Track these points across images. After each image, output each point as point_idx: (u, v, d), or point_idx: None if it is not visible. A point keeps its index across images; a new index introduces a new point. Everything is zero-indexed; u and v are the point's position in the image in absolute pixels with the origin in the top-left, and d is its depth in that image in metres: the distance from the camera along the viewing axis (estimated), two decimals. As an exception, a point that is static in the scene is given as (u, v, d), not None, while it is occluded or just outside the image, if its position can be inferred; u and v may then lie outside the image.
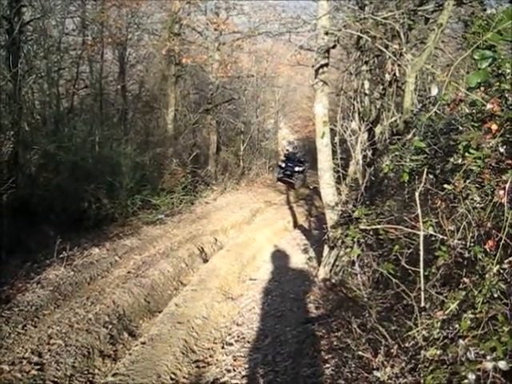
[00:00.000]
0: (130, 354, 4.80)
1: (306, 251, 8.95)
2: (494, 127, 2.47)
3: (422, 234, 2.59)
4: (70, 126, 11.22)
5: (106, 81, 15.52)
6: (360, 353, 3.66)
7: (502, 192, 2.41)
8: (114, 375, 4.38)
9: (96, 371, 4.63)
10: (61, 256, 7.10)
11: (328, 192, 6.36)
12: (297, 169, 20.13)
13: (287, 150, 22.97)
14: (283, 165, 20.39)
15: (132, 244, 8.74)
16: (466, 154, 2.52)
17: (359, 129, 5.96)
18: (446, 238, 2.82)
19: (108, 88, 15.73)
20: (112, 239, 8.83)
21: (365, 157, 6.10)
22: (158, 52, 14.99)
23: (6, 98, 9.05)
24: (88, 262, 7.36)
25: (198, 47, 16.25)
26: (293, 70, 23.77)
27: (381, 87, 6.22)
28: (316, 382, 3.79)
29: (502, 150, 2.55)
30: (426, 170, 2.72)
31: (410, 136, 3.18)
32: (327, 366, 4.00)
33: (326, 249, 6.50)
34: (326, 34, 5.67)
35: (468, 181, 2.64)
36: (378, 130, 6.16)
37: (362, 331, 4.04)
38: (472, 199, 2.66)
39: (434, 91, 2.77)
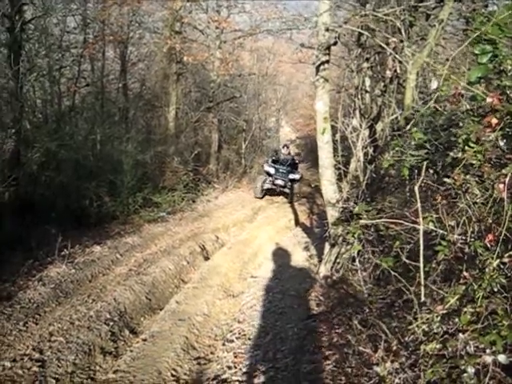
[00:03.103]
0: (131, 351, 4.80)
1: (307, 249, 8.94)
2: (494, 121, 2.46)
3: (421, 228, 2.59)
4: (72, 125, 11.23)
5: (108, 79, 15.49)
6: (361, 348, 3.66)
7: (501, 186, 2.41)
8: (114, 372, 4.39)
9: (97, 368, 4.61)
10: (62, 254, 7.11)
11: (329, 189, 6.35)
12: (292, 176, 15.63)
13: (275, 152, 17.71)
14: (272, 170, 15.63)
15: (133, 242, 8.75)
16: (466, 147, 2.52)
17: (360, 126, 5.95)
18: (445, 233, 2.82)
19: (109, 86, 15.71)
20: (113, 237, 8.84)
21: (366, 154, 6.09)
22: (159, 50, 15.00)
23: (8, 96, 9.08)
24: (89, 259, 7.37)
25: (200, 45, 16.29)
26: (294, 67, 23.82)
27: (382, 84, 6.22)
28: (316, 378, 3.78)
29: (501, 143, 2.54)
30: (425, 164, 2.71)
31: (408, 128, 3.17)
32: (328, 362, 4.00)
33: (327, 246, 6.49)
34: (327, 30, 5.66)
35: (468, 175, 2.63)
36: (378, 127, 6.15)
37: (363, 327, 4.04)
38: (472, 193, 2.66)
39: (434, 85, 2.77)
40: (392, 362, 2.85)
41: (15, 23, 9.23)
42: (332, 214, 6.29)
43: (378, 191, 5.81)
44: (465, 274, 2.50)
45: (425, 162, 2.84)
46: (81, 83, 14.28)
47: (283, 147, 17.32)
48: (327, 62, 6.07)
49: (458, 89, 2.59)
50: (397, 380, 2.82)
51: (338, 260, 6.20)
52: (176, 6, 14.37)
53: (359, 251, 5.05)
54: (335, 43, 5.84)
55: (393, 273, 3.46)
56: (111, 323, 5.38)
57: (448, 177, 2.78)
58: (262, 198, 15.50)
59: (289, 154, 16.81)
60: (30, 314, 5.42)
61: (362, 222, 3.64)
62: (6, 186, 8.26)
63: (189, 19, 14.96)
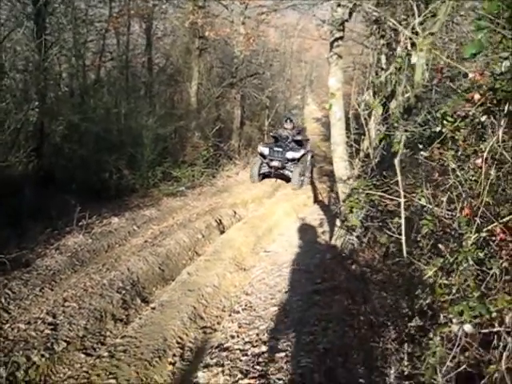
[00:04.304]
0: (140, 318, 4.96)
1: (321, 225, 8.99)
2: (477, 97, 2.46)
3: (402, 201, 2.62)
4: (96, 98, 11.38)
5: (133, 53, 15.56)
6: (358, 322, 3.74)
7: (479, 161, 2.41)
8: (122, 337, 4.55)
9: (107, 333, 4.79)
10: (80, 224, 7.31)
11: (340, 166, 6.37)
12: (290, 155, 13.15)
13: (274, 131, 15.21)
14: (266, 151, 13.36)
15: (151, 215, 8.91)
16: (445, 122, 2.52)
17: (373, 103, 5.92)
18: (430, 206, 2.84)
19: (134, 61, 15.78)
20: (132, 209, 9.01)
21: (378, 131, 6.07)
22: (181, 25, 14.97)
23: (33, 69, 9.26)
24: (107, 230, 7.55)
25: (223, 21, 16.18)
26: (321, 45, 23.55)
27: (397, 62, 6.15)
28: (313, 348, 3.89)
29: (482, 119, 2.54)
30: (403, 139, 2.72)
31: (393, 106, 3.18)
32: (326, 334, 4.10)
33: (338, 223, 6.55)
34: (339, 5, 5.63)
35: (447, 150, 2.64)
36: (392, 105, 6.11)
37: (363, 303, 4.11)
38: (462, 168, 2.67)
39: (414, 59, 2.77)
40: (379, 336, 2.91)
41: (40, -4, 9.35)
42: (343, 191, 6.32)
43: (388, 168, 5.80)
44: (440, 246, 2.53)
45: (403, 137, 2.85)
46: (106, 57, 14.43)
47: (285, 121, 14.57)
48: (341, 38, 6.04)
49: (439, 64, 2.59)
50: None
51: (347, 236, 6.25)
52: (200, -20, 14.30)
53: (366, 227, 5.08)
54: (347, 19, 5.80)
55: (391, 250, 3.50)
56: (123, 291, 5.54)
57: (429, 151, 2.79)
58: (259, 180, 13.50)
59: (293, 128, 14.25)
60: (47, 280, 5.62)
61: (356, 196, 3.68)
62: (29, 156, 8.51)
63: (212, -7, 14.88)
